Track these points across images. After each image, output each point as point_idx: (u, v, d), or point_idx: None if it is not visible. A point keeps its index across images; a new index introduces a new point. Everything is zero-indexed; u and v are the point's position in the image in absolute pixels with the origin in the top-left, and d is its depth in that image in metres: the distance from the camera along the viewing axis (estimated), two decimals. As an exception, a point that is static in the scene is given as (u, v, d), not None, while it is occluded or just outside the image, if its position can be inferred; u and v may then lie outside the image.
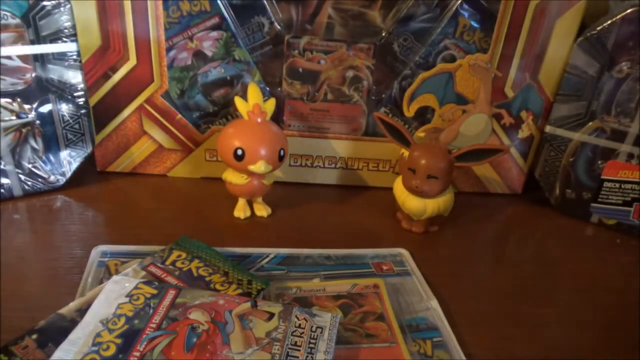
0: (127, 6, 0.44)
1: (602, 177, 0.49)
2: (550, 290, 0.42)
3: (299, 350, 0.29)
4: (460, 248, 0.46)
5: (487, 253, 0.47)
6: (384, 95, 0.50)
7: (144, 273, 0.35)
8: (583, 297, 0.41)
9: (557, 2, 0.46)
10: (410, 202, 0.45)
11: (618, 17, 0.45)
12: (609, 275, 0.44)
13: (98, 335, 0.28)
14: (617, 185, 0.49)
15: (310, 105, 0.50)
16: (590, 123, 0.48)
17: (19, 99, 0.44)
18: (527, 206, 0.54)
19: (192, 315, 0.30)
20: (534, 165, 0.53)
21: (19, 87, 0.44)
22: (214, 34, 0.47)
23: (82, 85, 0.46)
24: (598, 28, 0.46)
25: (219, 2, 0.45)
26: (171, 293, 0.32)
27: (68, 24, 0.44)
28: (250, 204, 0.48)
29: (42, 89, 0.45)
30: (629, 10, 0.44)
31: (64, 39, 0.44)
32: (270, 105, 0.45)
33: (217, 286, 0.35)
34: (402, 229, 0.47)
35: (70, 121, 0.47)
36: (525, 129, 0.52)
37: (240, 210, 0.47)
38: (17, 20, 0.41)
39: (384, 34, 0.48)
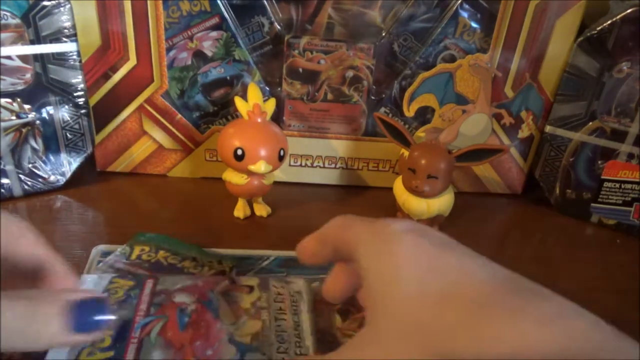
0: (127, 6, 0.44)
1: (602, 177, 0.49)
2: (550, 290, 0.42)
3: (285, 314, 0.31)
4: (460, 248, 0.46)
5: (487, 253, 0.47)
6: (384, 95, 0.50)
7: (111, 271, 0.35)
8: (583, 297, 0.41)
9: (557, 2, 0.46)
10: (410, 202, 0.45)
11: (618, 17, 0.45)
12: (609, 275, 0.44)
13: None
14: (617, 185, 0.49)
15: (310, 105, 0.50)
16: (590, 123, 0.48)
17: (19, 99, 0.44)
18: (527, 206, 0.54)
19: (177, 298, 0.31)
20: (534, 165, 0.53)
21: (19, 87, 0.44)
22: (214, 34, 0.47)
23: (82, 85, 0.46)
24: (598, 28, 0.46)
25: (219, 2, 0.45)
26: (150, 282, 0.32)
27: (68, 24, 0.44)
28: (250, 204, 0.48)
29: (42, 89, 0.45)
30: (629, 10, 0.44)
31: (64, 39, 0.44)
32: (270, 105, 0.45)
33: (191, 270, 0.36)
34: (402, 229, 0.47)
35: (70, 121, 0.47)
36: (525, 129, 0.52)
37: (240, 210, 0.47)
38: (17, 20, 0.41)
39: (384, 34, 0.48)
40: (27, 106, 0.44)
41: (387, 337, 0.21)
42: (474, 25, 0.47)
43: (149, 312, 0.30)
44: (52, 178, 0.48)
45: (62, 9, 0.43)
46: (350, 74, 0.49)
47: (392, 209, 0.49)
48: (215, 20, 0.46)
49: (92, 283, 0.33)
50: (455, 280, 0.21)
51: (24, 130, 0.45)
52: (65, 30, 0.44)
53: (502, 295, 0.20)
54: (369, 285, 0.23)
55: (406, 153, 0.45)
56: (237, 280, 0.34)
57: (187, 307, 0.31)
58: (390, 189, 0.48)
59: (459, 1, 0.46)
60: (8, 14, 0.41)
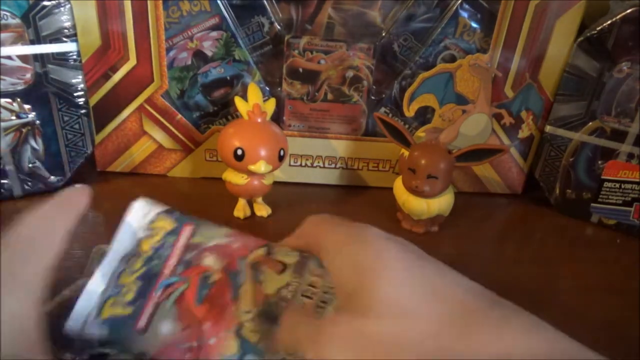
0: (127, 6, 0.44)
1: (602, 177, 0.49)
2: (550, 290, 0.42)
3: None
4: (460, 248, 0.46)
5: (487, 253, 0.47)
6: (384, 95, 0.50)
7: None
8: (583, 297, 0.41)
9: (557, 2, 0.46)
10: (410, 202, 0.45)
11: (618, 17, 0.45)
12: (609, 275, 0.44)
13: (119, 276, 0.28)
14: (617, 185, 0.49)
15: (310, 105, 0.50)
16: (590, 123, 0.48)
17: (19, 99, 0.44)
18: (527, 206, 0.54)
19: (205, 261, 0.29)
20: (534, 165, 0.53)
21: (19, 87, 0.44)
22: (214, 34, 0.47)
23: (82, 85, 0.46)
24: (598, 28, 0.46)
25: (219, 2, 0.45)
26: (187, 230, 0.31)
27: (68, 24, 0.44)
28: (250, 204, 0.48)
29: (42, 89, 0.45)
30: (629, 10, 0.44)
31: (64, 39, 0.44)
32: (270, 105, 0.45)
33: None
34: (402, 229, 0.47)
35: (70, 121, 0.47)
36: (525, 129, 0.52)
37: (240, 210, 0.47)
38: (17, 20, 0.41)
39: (384, 34, 0.48)
40: (27, 106, 0.44)
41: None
42: (474, 25, 0.47)
43: (175, 271, 0.29)
44: (52, 178, 0.48)
45: (62, 9, 0.43)
46: (350, 74, 0.49)
47: (392, 209, 0.49)
48: (215, 20, 0.46)
49: (140, 210, 0.32)
50: (435, 290, 0.22)
51: (24, 130, 0.45)
52: (65, 30, 0.44)
53: (485, 306, 0.21)
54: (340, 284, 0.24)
55: (406, 153, 0.45)
56: (273, 251, 0.30)
57: (211, 274, 0.28)
58: (390, 189, 0.48)
59: (459, 1, 0.46)
60: (8, 14, 0.41)
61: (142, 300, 0.27)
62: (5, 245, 0.23)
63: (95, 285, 0.28)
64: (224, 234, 0.31)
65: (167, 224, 0.31)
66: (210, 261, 0.29)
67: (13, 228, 0.24)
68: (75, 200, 0.27)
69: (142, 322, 0.27)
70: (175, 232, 0.30)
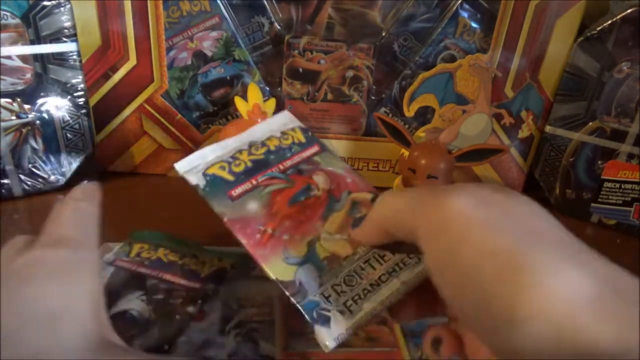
0: (127, 6, 0.44)
1: (602, 177, 0.49)
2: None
3: (380, 264, 0.27)
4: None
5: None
6: (384, 95, 0.50)
7: (112, 268, 0.35)
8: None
9: (557, 2, 0.46)
10: (410, 202, 0.45)
11: (618, 17, 0.45)
12: (609, 275, 0.44)
13: (240, 151, 0.31)
14: (617, 185, 0.49)
15: (310, 105, 0.50)
16: (590, 123, 0.48)
17: (19, 99, 0.44)
18: (527, 206, 0.54)
19: (316, 177, 0.31)
20: (534, 165, 0.53)
21: (19, 87, 0.44)
22: (214, 34, 0.47)
23: (82, 85, 0.46)
24: (598, 28, 0.46)
25: (219, 2, 0.45)
26: (314, 148, 0.33)
27: (68, 24, 0.44)
28: (250, 204, 0.48)
29: (42, 89, 0.45)
30: (629, 10, 0.44)
31: (64, 39, 0.44)
32: (270, 105, 0.45)
33: (192, 267, 0.36)
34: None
35: (70, 121, 0.47)
36: (525, 129, 0.52)
37: (240, 210, 0.47)
38: (17, 20, 0.42)
39: (384, 34, 0.48)
40: (27, 106, 0.44)
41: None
42: (474, 25, 0.47)
43: (286, 171, 0.31)
44: (52, 178, 0.48)
45: (62, 9, 0.43)
46: (350, 74, 0.49)
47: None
48: (215, 20, 0.46)
49: (283, 118, 0.34)
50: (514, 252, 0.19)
51: (24, 130, 0.45)
52: (65, 30, 0.44)
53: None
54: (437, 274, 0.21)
55: (406, 153, 0.45)
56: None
57: (314, 188, 0.30)
58: (390, 189, 0.48)
59: (459, 1, 0.46)
60: (8, 14, 0.41)
61: (246, 177, 0.30)
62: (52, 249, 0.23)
63: (213, 150, 0.31)
64: (342, 166, 0.32)
65: (300, 137, 0.33)
66: (320, 179, 0.31)
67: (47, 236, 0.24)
68: (90, 195, 0.28)
69: (235, 192, 0.30)
70: (303, 145, 0.33)
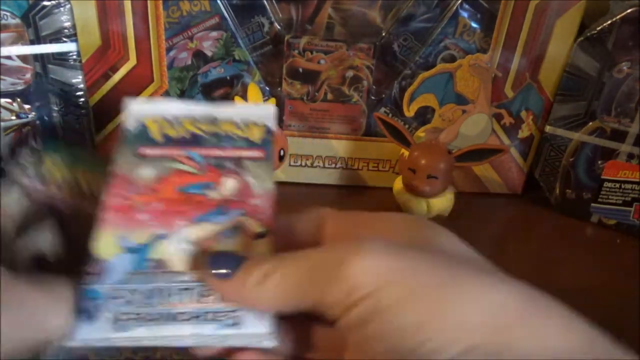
0: (127, 6, 0.44)
1: (602, 177, 0.49)
2: (550, 290, 0.42)
3: (197, 302, 0.24)
4: (460, 248, 0.46)
5: (487, 253, 0.47)
6: (384, 95, 0.50)
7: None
8: (583, 297, 0.41)
9: (557, 2, 0.46)
10: (410, 202, 0.45)
11: (618, 17, 0.45)
12: (609, 275, 0.44)
13: (189, 119, 0.29)
14: (617, 185, 0.49)
15: (310, 105, 0.50)
16: (590, 123, 0.48)
17: (19, 99, 0.44)
18: (527, 206, 0.54)
19: (225, 179, 0.28)
20: (534, 165, 0.53)
21: (19, 87, 0.44)
22: (214, 34, 0.47)
23: (82, 85, 0.46)
24: (598, 28, 0.46)
25: (219, 2, 0.45)
26: (255, 153, 0.29)
27: (68, 24, 0.44)
28: (250, 204, 0.48)
29: (42, 89, 0.45)
30: (629, 10, 0.44)
31: (64, 39, 0.44)
32: (270, 105, 0.45)
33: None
34: (402, 229, 0.47)
35: (70, 121, 0.47)
36: (525, 129, 0.52)
37: (240, 210, 0.47)
38: (17, 20, 0.42)
39: (384, 34, 0.48)
40: (27, 106, 0.44)
41: None
42: (474, 25, 0.47)
43: (208, 158, 0.28)
44: (52, 178, 0.48)
45: (62, 9, 0.43)
46: (350, 74, 0.49)
47: (392, 209, 0.49)
48: (215, 20, 0.46)
49: (264, 110, 0.31)
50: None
51: (24, 130, 0.45)
52: (65, 30, 0.44)
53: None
54: None
55: (406, 153, 0.45)
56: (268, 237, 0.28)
57: (214, 189, 0.27)
58: (390, 189, 0.48)
59: (459, 1, 0.46)
60: (8, 14, 0.41)
61: (170, 145, 0.28)
62: None
63: (179, 108, 0.29)
64: (265, 187, 0.28)
65: (257, 135, 0.29)
66: (228, 184, 0.27)
67: None
68: None
69: (147, 152, 0.28)
70: (250, 144, 0.29)
